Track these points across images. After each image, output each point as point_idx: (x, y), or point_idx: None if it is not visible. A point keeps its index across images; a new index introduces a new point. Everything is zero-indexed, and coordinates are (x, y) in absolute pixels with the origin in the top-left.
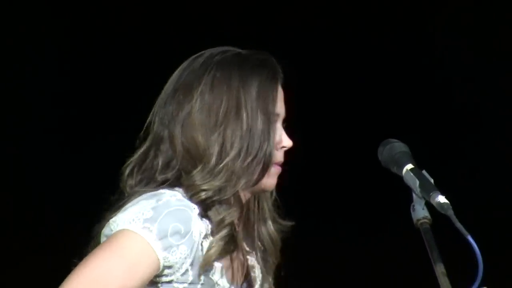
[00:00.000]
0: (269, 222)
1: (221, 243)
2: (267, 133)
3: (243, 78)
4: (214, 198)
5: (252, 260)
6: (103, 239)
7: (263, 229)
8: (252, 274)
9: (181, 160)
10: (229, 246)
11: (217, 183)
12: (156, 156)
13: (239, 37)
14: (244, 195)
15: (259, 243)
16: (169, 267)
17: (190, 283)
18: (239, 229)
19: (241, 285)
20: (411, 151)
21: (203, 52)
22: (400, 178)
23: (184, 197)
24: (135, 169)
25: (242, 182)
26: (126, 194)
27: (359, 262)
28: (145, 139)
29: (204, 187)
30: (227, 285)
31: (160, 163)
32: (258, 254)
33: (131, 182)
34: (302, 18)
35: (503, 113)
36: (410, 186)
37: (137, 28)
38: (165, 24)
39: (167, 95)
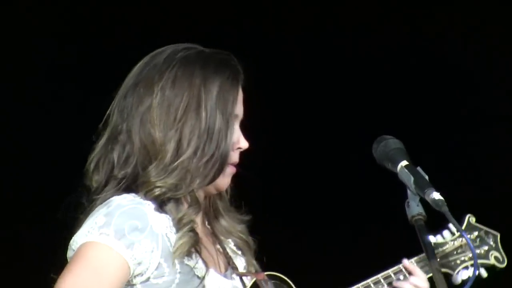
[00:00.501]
0: (227, 217)
1: (184, 239)
2: (224, 134)
3: (205, 77)
4: (169, 195)
5: (231, 246)
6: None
7: (223, 223)
8: (235, 258)
9: (138, 156)
10: (192, 240)
11: (171, 180)
12: (113, 150)
13: (220, 37)
14: (200, 196)
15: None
16: (139, 263)
17: (168, 275)
18: (203, 221)
19: (227, 272)
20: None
21: (165, 47)
22: (395, 175)
23: (136, 197)
24: (99, 164)
25: (197, 181)
26: (92, 191)
27: (354, 256)
28: (103, 131)
29: (158, 184)
30: (204, 268)
31: (117, 158)
32: (233, 238)
33: (97, 177)
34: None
35: (502, 113)
36: (405, 182)
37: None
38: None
39: (127, 88)
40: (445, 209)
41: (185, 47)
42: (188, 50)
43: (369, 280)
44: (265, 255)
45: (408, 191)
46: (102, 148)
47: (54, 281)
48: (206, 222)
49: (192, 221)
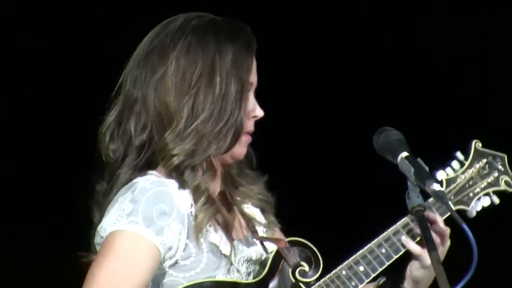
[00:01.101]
0: (247, 183)
1: (203, 209)
2: (239, 100)
3: (219, 45)
4: (186, 163)
5: (249, 207)
6: (97, 248)
7: (243, 188)
8: (255, 222)
9: (154, 124)
10: (211, 209)
11: (186, 146)
12: (129, 119)
13: None
14: (217, 163)
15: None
16: (170, 248)
17: (195, 255)
18: (223, 188)
19: (249, 237)
20: None
21: (177, 16)
22: (395, 166)
23: (159, 176)
24: (115, 134)
25: (213, 147)
26: (107, 161)
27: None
28: (116, 100)
29: (175, 151)
30: (229, 244)
31: (134, 127)
32: (252, 200)
33: (113, 146)
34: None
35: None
36: (405, 173)
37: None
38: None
39: (140, 57)
40: (445, 200)
41: (197, 15)
42: (201, 18)
43: (371, 244)
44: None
45: (409, 182)
46: (116, 117)
47: (81, 257)
48: (226, 188)
49: (208, 188)
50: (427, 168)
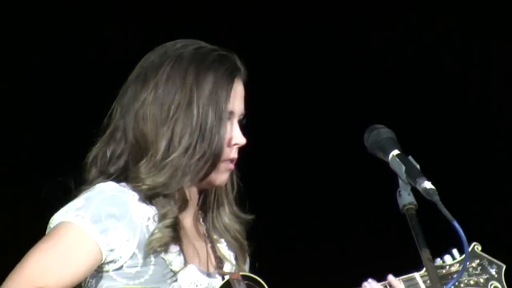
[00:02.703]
0: (225, 215)
1: (163, 231)
2: (217, 131)
3: (199, 74)
4: (157, 191)
5: (224, 248)
6: None
7: (219, 221)
8: (225, 260)
9: (131, 151)
10: (168, 237)
11: (160, 179)
12: (110, 145)
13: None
14: (191, 194)
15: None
16: (111, 250)
17: (141, 266)
18: (197, 217)
19: (213, 270)
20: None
21: (165, 44)
22: (386, 164)
23: (123, 186)
24: (97, 158)
25: (187, 179)
26: (86, 182)
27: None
28: (107, 127)
29: (147, 182)
30: (182, 264)
31: (111, 154)
32: (228, 242)
33: (93, 171)
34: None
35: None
36: (396, 171)
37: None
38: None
39: (129, 82)
40: (436, 198)
41: (184, 44)
42: (186, 47)
43: None
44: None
45: (400, 180)
46: (102, 142)
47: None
48: (201, 219)
49: (176, 217)
50: (418, 166)
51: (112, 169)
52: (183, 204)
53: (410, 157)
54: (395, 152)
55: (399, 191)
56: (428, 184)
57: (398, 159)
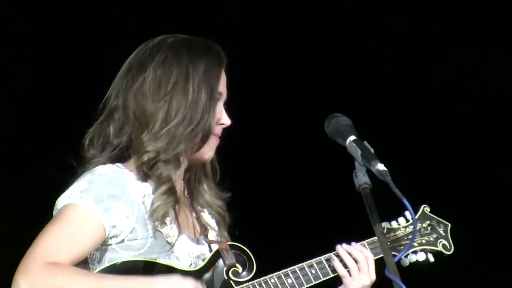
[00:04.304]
0: (207, 190)
1: (162, 197)
2: (208, 106)
3: (192, 58)
4: (157, 158)
5: (206, 216)
6: None
7: (203, 194)
8: (209, 228)
9: (132, 126)
10: (170, 199)
11: (159, 145)
12: (109, 125)
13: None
14: (183, 160)
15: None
16: (114, 226)
17: (141, 238)
18: (183, 190)
19: (199, 237)
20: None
21: (155, 38)
22: (344, 148)
23: (121, 167)
24: (94, 139)
25: (182, 146)
26: (88, 159)
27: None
28: (101, 112)
29: (148, 148)
30: (176, 234)
31: (113, 131)
32: (211, 211)
33: (92, 151)
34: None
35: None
36: (353, 155)
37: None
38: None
39: (123, 72)
40: (388, 178)
41: (173, 35)
42: (176, 37)
43: (303, 264)
44: (237, 229)
45: (356, 163)
46: (98, 125)
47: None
48: (186, 192)
49: (171, 178)
50: (372, 150)
51: (115, 141)
52: (177, 164)
53: (365, 142)
54: (352, 137)
55: (355, 173)
56: (381, 166)
57: (354, 144)
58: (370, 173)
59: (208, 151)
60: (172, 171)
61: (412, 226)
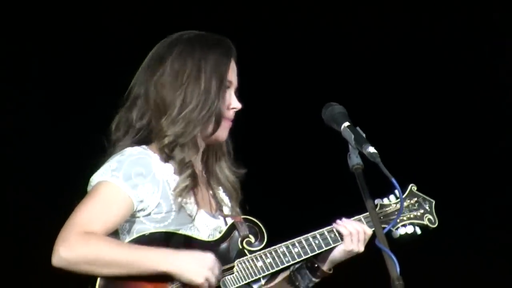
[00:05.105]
0: (224, 168)
1: (186, 181)
2: (219, 94)
3: (204, 52)
4: (176, 142)
5: (221, 193)
6: None
7: (220, 172)
8: (223, 204)
9: (153, 113)
10: (192, 183)
11: (177, 128)
12: (132, 111)
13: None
14: (201, 143)
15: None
16: (141, 201)
17: (165, 212)
18: (202, 170)
19: (215, 213)
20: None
21: (172, 34)
22: (339, 133)
23: (146, 149)
24: (120, 124)
25: (197, 129)
26: (115, 140)
27: None
28: (127, 99)
29: (168, 132)
30: (196, 209)
31: (135, 115)
32: (225, 189)
33: (118, 134)
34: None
35: None
36: (347, 139)
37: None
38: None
39: (145, 64)
40: (378, 160)
41: (190, 31)
42: (191, 33)
43: (307, 235)
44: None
45: (350, 146)
46: (123, 111)
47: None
48: (204, 171)
49: (192, 163)
50: (364, 135)
51: (137, 125)
52: (196, 150)
53: (358, 128)
54: (346, 124)
55: (349, 155)
56: (371, 149)
57: (348, 129)
58: (362, 155)
59: (222, 133)
60: (192, 155)
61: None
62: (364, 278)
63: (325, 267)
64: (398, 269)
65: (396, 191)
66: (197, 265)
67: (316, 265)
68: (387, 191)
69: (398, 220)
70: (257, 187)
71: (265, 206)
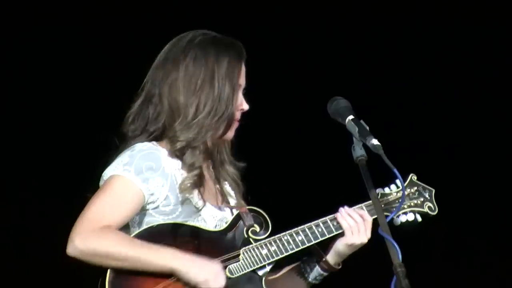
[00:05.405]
0: (226, 162)
1: (192, 179)
2: (231, 98)
3: (217, 56)
4: (188, 145)
5: (227, 187)
6: None
7: (224, 167)
8: (229, 197)
9: (166, 115)
10: (198, 182)
11: (190, 134)
12: (148, 108)
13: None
14: (209, 144)
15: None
16: (151, 194)
17: (173, 205)
18: (209, 165)
19: (221, 205)
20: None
21: (188, 32)
22: (344, 126)
23: (155, 144)
24: (135, 118)
25: (209, 134)
26: (129, 137)
27: None
28: (140, 94)
29: (181, 138)
30: (202, 203)
31: (151, 114)
32: (230, 182)
33: (133, 127)
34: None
35: None
36: (351, 132)
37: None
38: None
39: (159, 62)
40: (381, 152)
41: (203, 32)
42: (205, 35)
43: (311, 223)
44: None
45: (354, 139)
46: (138, 106)
47: (88, 199)
48: (211, 166)
49: (201, 166)
50: (367, 128)
51: (151, 128)
52: (206, 155)
53: (362, 121)
54: (351, 117)
55: (353, 147)
56: (375, 141)
57: (353, 122)
58: (366, 147)
59: (230, 133)
60: (201, 158)
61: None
62: (368, 269)
63: (332, 261)
64: (400, 256)
65: (398, 181)
66: (202, 269)
67: (324, 259)
68: (387, 181)
69: (401, 208)
70: (260, 180)
71: (267, 199)
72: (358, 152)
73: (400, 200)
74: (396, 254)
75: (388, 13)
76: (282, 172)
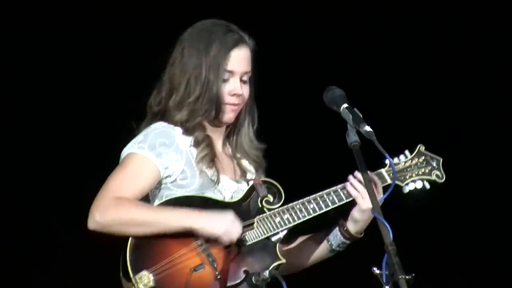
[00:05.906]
0: (244, 142)
1: (204, 151)
2: (217, 84)
3: (208, 44)
4: (185, 124)
5: (246, 163)
6: None
7: (241, 145)
8: (247, 171)
9: (165, 93)
10: (210, 153)
11: (183, 115)
12: (159, 93)
13: None
14: (207, 125)
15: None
16: (166, 168)
17: (190, 178)
18: (224, 142)
19: (239, 178)
20: None
21: (201, 22)
22: (339, 114)
23: (169, 123)
24: (151, 104)
25: (199, 118)
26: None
27: None
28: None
29: (177, 118)
30: (217, 175)
31: (158, 99)
32: (250, 159)
33: (149, 110)
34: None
35: None
36: (346, 119)
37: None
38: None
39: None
40: (373, 138)
41: (212, 21)
42: (204, 24)
43: (322, 192)
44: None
45: (348, 125)
46: (155, 93)
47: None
48: (228, 144)
49: (205, 139)
50: (361, 115)
51: (156, 109)
52: (203, 132)
53: (355, 109)
54: (345, 105)
55: (348, 133)
56: (368, 128)
57: (347, 110)
58: (359, 133)
59: (227, 116)
60: (201, 135)
61: (409, 161)
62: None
63: (353, 229)
64: (391, 236)
65: (408, 153)
66: (218, 220)
67: (345, 228)
68: (379, 166)
69: (407, 177)
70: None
71: (285, 170)
72: (352, 138)
73: (409, 169)
74: (388, 234)
75: (388, 13)
76: (284, 157)
